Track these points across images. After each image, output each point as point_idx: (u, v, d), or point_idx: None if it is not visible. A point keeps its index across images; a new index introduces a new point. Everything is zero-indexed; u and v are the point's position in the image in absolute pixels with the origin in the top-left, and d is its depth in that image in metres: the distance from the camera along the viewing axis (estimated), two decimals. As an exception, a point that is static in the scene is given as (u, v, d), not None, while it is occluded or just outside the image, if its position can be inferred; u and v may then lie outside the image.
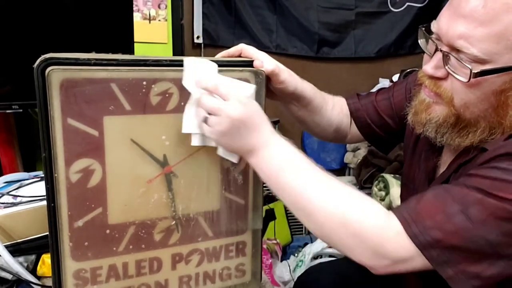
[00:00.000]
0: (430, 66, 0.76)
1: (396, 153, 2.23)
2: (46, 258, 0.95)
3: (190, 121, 0.75)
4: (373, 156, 2.33)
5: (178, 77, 0.74)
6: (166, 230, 0.80)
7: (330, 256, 2.17)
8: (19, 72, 1.20)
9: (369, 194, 2.22)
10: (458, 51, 0.71)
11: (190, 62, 0.74)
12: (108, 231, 0.75)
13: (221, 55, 0.86)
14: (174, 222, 0.80)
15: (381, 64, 2.91)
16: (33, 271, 0.97)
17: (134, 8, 1.77)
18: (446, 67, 0.74)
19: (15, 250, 0.95)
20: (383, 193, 2.11)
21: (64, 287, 0.74)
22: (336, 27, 2.76)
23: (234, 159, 0.79)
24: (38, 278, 0.95)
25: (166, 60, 0.74)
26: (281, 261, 2.22)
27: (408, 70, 2.48)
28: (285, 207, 2.44)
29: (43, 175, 0.71)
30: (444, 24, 0.73)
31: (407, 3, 2.83)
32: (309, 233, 2.69)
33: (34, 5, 1.40)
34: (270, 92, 0.88)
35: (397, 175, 2.13)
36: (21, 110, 1.44)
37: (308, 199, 0.72)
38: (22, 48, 1.37)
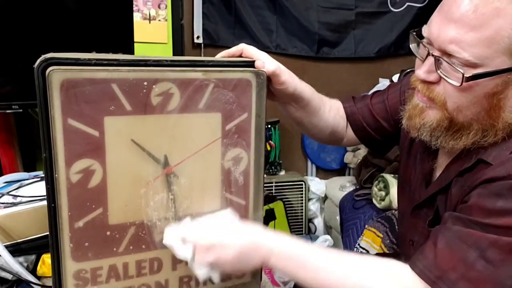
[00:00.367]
0: (422, 70, 0.76)
1: (396, 153, 2.23)
2: (46, 258, 0.95)
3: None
4: (373, 156, 2.33)
5: (179, 77, 0.74)
6: (166, 230, 0.80)
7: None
8: (19, 72, 1.20)
9: (369, 194, 2.22)
10: (449, 55, 0.72)
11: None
12: (108, 232, 0.75)
13: (222, 55, 0.86)
14: (175, 223, 0.80)
15: (381, 64, 2.91)
16: (33, 271, 0.97)
17: (134, 8, 1.77)
18: (438, 72, 0.74)
19: (15, 250, 0.95)
20: (383, 193, 2.11)
21: (64, 288, 0.75)
22: (336, 27, 2.76)
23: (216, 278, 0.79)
24: (38, 278, 0.96)
25: (166, 60, 0.74)
26: (281, 261, 2.22)
27: (408, 70, 2.48)
28: (285, 207, 2.45)
29: (43, 175, 0.71)
30: (435, 29, 0.73)
31: (407, 3, 2.83)
32: (309, 233, 2.69)
33: (34, 5, 1.40)
34: (269, 93, 0.88)
35: (397, 175, 2.13)
36: (21, 110, 1.45)
37: (329, 285, 0.73)
38: (23, 48, 1.37)
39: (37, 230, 0.99)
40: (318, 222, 2.73)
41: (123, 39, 1.60)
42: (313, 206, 2.71)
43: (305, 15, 2.68)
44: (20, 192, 1.09)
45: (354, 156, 2.66)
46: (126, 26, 1.60)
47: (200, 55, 2.53)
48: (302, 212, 2.65)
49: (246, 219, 0.86)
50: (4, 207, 0.99)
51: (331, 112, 1.03)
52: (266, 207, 2.28)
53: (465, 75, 0.70)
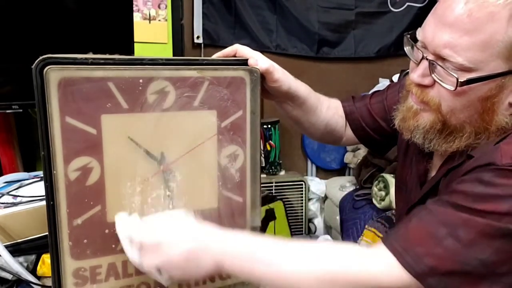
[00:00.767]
0: (416, 74, 0.76)
1: (396, 153, 2.23)
2: (46, 258, 0.95)
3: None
4: (373, 156, 2.33)
5: (174, 75, 0.75)
6: (164, 228, 0.80)
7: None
8: (19, 72, 1.20)
9: (369, 194, 2.22)
10: (444, 59, 0.72)
11: (117, 219, 0.74)
12: (107, 229, 0.75)
13: (217, 55, 0.87)
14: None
15: (381, 64, 2.91)
16: (33, 271, 0.97)
17: (134, 8, 1.78)
18: (433, 75, 0.74)
19: (15, 250, 0.96)
20: (383, 193, 2.11)
21: (63, 286, 0.74)
22: (336, 27, 2.76)
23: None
24: (38, 278, 0.96)
25: (162, 59, 0.75)
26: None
27: (408, 70, 2.48)
28: (285, 207, 2.45)
29: (42, 175, 0.71)
30: (430, 32, 0.73)
31: (407, 3, 2.83)
32: (309, 233, 2.69)
33: (34, 5, 1.41)
34: (265, 91, 0.89)
35: (395, 176, 2.13)
36: (21, 110, 1.45)
37: (289, 275, 0.70)
38: (23, 48, 1.37)
39: (37, 230, 0.99)
40: (318, 222, 2.73)
41: (123, 39, 1.60)
42: (313, 206, 2.71)
43: (305, 15, 2.68)
44: (20, 192, 1.09)
45: (354, 156, 2.66)
46: (126, 26, 1.61)
47: (200, 55, 2.53)
48: (302, 212, 2.65)
49: (244, 216, 0.87)
50: (4, 207, 1.00)
51: (329, 111, 1.03)
52: (266, 207, 2.28)
53: (459, 80, 0.70)
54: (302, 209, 2.65)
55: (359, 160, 2.51)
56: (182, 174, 0.79)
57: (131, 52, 1.61)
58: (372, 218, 2.05)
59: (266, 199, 2.29)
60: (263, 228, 0.86)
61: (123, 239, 0.72)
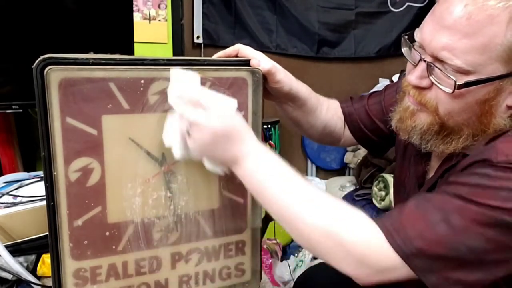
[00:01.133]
0: (414, 76, 0.76)
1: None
2: (46, 258, 0.95)
3: (172, 134, 0.75)
4: (373, 156, 2.33)
5: None
6: (165, 228, 0.80)
7: (331, 256, 2.17)
8: (19, 72, 1.20)
9: (369, 194, 2.22)
10: (442, 62, 0.71)
11: (175, 73, 0.73)
12: (107, 230, 0.75)
13: (218, 55, 0.86)
14: (173, 221, 0.80)
15: (381, 64, 2.91)
16: (33, 271, 0.97)
17: (134, 8, 1.77)
18: (430, 78, 0.74)
19: (15, 250, 0.95)
20: (383, 193, 2.11)
21: (64, 287, 0.74)
22: (336, 27, 2.77)
23: (220, 171, 0.77)
24: (38, 278, 0.95)
25: (163, 60, 0.75)
26: (281, 261, 2.22)
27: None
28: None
29: (43, 175, 0.71)
30: (428, 34, 0.73)
31: (407, 3, 2.84)
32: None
33: (34, 5, 1.41)
34: (266, 92, 0.88)
35: (393, 177, 2.13)
36: (21, 110, 1.45)
37: (293, 211, 0.72)
38: (23, 48, 1.37)
39: (37, 230, 0.99)
40: (319, 222, 2.72)
41: (123, 39, 1.60)
42: (314, 206, 2.70)
43: (305, 15, 2.68)
44: (20, 192, 1.09)
45: (354, 156, 2.66)
46: (126, 26, 1.60)
47: (200, 55, 2.53)
48: (302, 212, 2.64)
49: (244, 216, 0.87)
50: (4, 207, 0.99)
51: (329, 112, 1.03)
52: (267, 207, 2.27)
53: (457, 82, 0.70)
54: (302, 209, 2.64)
55: (359, 160, 2.51)
56: (183, 175, 0.79)
57: (131, 52, 1.61)
58: (372, 218, 2.05)
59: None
60: (263, 228, 0.86)
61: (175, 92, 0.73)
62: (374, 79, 2.86)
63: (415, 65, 0.76)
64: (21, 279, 0.92)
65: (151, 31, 2.34)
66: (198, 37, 2.55)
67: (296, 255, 2.31)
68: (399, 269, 0.68)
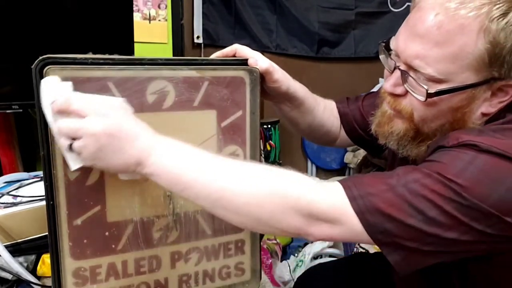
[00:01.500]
0: (389, 83, 0.77)
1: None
2: (46, 258, 0.95)
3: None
4: (372, 156, 2.33)
5: (174, 75, 0.75)
6: (164, 228, 0.80)
7: (330, 256, 2.17)
8: (19, 72, 1.20)
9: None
10: (415, 70, 0.72)
11: (44, 82, 0.66)
12: (106, 229, 0.75)
13: (216, 55, 0.87)
14: (172, 220, 0.80)
15: (381, 64, 2.87)
16: (33, 271, 0.97)
17: (134, 8, 1.78)
18: (405, 85, 0.75)
19: (15, 250, 0.95)
20: (383, 192, 2.10)
21: (63, 286, 0.75)
22: (336, 27, 2.76)
23: (135, 176, 0.70)
24: (38, 278, 0.95)
25: (161, 59, 0.75)
26: (281, 261, 2.22)
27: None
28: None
29: (42, 175, 0.71)
30: (402, 42, 0.74)
31: (407, 3, 2.83)
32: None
33: (34, 5, 1.41)
34: (263, 92, 0.89)
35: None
36: (21, 110, 1.45)
37: (221, 188, 0.67)
38: (23, 48, 1.37)
39: (37, 230, 0.99)
40: (319, 222, 2.72)
41: (123, 39, 1.60)
42: (314, 206, 2.70)
43: (305, 15, 2.68)
44: (20, 192, 1.09)
45: (354, 156, 2.66)
46: (126, 26, 1.61)
47: (200, 55, 2.53)
48: (302, 212, 2.64)
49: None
50: (4, 207, 1.00)
51: (325, 112, 1.03)
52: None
53: (429, 91, 0.70)
54: (302, 209, 2.64)
55: (359, 160, 2.51)
56: (182, 174, 0.79)
57: (131, 52, 1.61)
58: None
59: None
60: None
61: (48, 100, 0.65)
62: (374, 79, 2.85)
63: (391, 73, 0.77)
64: (21, 279, 0.92)
65: (151, 31, 2.34)
66: (198, 37, 2.55)
67: (296, 255, 2.31)
68: (351, 222, 0.66)
